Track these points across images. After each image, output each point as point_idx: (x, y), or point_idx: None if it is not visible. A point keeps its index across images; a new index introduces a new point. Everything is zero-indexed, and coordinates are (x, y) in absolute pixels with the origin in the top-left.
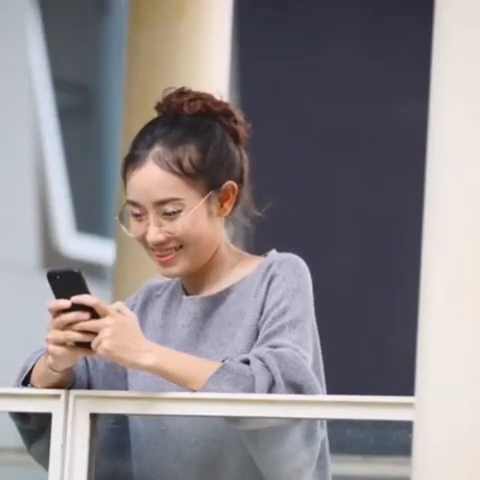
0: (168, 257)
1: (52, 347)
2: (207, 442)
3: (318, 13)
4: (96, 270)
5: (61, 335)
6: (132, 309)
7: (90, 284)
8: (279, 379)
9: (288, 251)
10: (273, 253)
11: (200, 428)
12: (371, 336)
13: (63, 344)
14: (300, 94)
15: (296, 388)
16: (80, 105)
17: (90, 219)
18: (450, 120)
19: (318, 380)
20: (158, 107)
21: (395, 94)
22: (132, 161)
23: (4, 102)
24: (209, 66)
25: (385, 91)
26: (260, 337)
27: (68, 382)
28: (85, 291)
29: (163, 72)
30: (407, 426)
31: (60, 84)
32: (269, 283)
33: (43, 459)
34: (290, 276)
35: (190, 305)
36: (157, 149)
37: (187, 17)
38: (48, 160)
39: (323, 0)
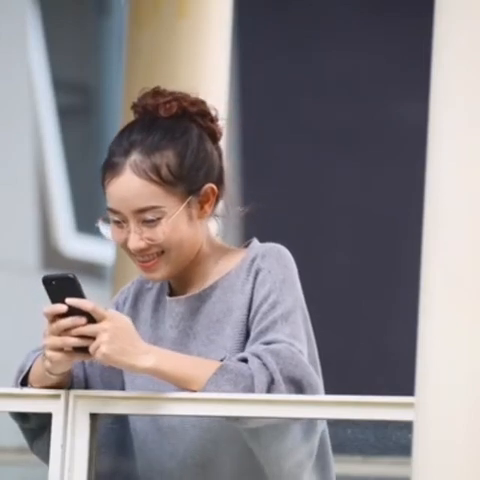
0: (150, 263)
1: (50, 353)
2: (202, 441)
3: (318, 13)
4: (96, 270)
5: (58, 341)
6: (124, 303)
7: (90, 284)
8: (278, 376)
9: (279, 244)
10: (255, 244)
11: (194, 427)
12: (371, 336)
13: (61, 349)
14: (300, 94)
15: (295, 384)
16: (80, 105)
17: (90, 219)
18: (450, 120)
19: (314, 370)
20: (134, 107)
21: (395, 94)
22: (110, 169)
23: (4, 102)
24: (209, 66)
25: (385, 91)
26: (253, 334)
27: (66, 383)
28: (81, 296)
29: (163, 72)
30: (407, 426)
31: (60, 84)
32: (255, 278)
33: (46, 457)
34: (275, 268)
35: (175, 306)
36: (134, 157)
37: (187, 17)
38: (48, 160)
39: (323, 0)
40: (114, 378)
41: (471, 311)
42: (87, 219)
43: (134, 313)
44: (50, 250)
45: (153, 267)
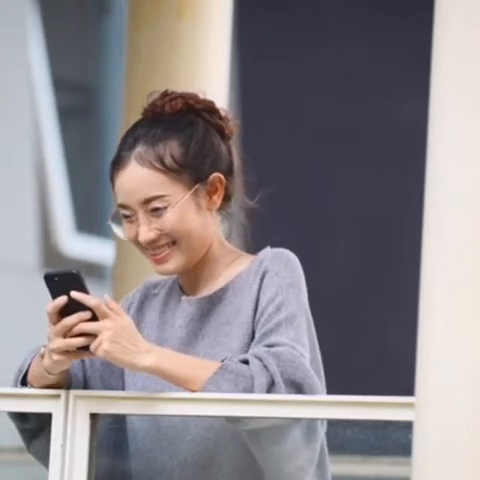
0: (162, 255)
1: (57, 357)
2: (202, 440)
3: (318, 13)
4: (96, 270)
5: (63, 344)
6: (129, 307)
7: (90, 284)
8: (278, 379)
9: (288, 250)
10: (266, 249)
11: (195, 426)
12: (371, 336)
13: (66, 351)
14: (300, 94)
15: (296, 386)
16: (80, 105)
17: (90, 219)
18: (450, 120)
19: (317, 376)
20: (144, 113)
21: (395, 94)
22: (116, 163)
23: (4, 102)
24: (209, 66)
25: (385, 91)
26: (257, 335)
27: (65, 382)
28: (85, 292)
29: (163, 72)
30: (407, 426)
31: (60, 84)
32: (261, 279)
33: (44, 457)
34: (282, 271)
35: (187, 306)
36: (139, 149)
37: (187, 17)
38: (48, 160)
39: (323, 0)
40: (113, 380)
41: (471, 311)
42: (87, 219)
43: (140, 316)
44: (50, 250)
45: (165, 259)
